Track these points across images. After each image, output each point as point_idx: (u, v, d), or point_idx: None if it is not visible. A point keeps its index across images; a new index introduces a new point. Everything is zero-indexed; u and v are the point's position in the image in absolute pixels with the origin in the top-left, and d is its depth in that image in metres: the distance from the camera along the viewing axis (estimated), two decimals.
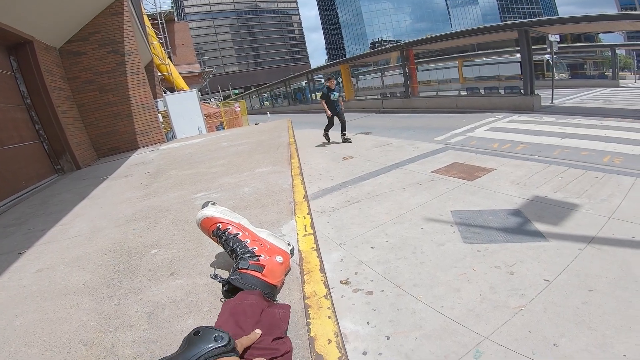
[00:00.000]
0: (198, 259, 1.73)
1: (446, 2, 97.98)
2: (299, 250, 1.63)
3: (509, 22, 11.72)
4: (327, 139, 7.96)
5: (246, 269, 1.22)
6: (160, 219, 2.48)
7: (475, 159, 5.10)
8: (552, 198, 3.47)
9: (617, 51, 21.49)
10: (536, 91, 10.86)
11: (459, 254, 2.59)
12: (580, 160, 4.76)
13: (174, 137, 10.40)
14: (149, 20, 18.73)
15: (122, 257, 1.92)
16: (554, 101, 12.26)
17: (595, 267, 2.27)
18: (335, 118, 7.74)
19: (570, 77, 22.80)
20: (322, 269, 1.46)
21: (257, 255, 1.29)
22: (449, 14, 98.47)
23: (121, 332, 1.26)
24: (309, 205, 2.21)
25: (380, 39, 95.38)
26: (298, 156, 3.90)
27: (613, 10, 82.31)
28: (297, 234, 1.80)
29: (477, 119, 9.33)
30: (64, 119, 6.59)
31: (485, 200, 3.56)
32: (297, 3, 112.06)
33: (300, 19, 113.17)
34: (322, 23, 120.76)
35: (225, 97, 56.42)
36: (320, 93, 7.91)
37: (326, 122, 7.91)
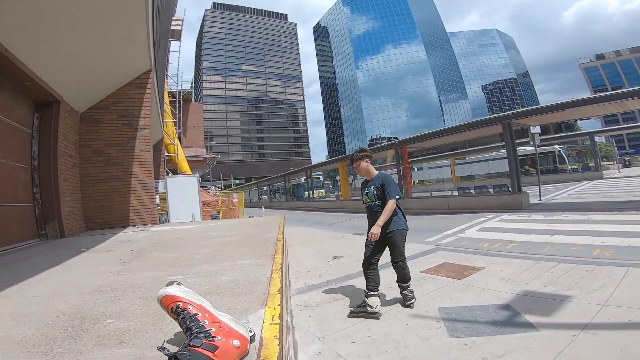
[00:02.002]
0: (154, 333, 1.66)
1: (439, 97, 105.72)
2: (261, 337, 1.58)
3: (492, 116, 12.34)
4: (367, 306, 3.21)
5: (198, 347, 1.17)
6: (128, 293, 2.43)
7: (465, 258, 5.08)
8: (542, 292, 3.40)
9: (596, 139, 21.64)
10: (524, 188, 10.95)
11: (444, 348, 2.47)
12: (570, 255, 4.76)
13: (167, 220, 10.33)
14: (168, 97, 19.35)
15: (74, 321, 1.86)
16: (541, 198, 12.51)
17: (590, 351, 2.16)
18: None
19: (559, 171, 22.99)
20: (280, 357, 1.39)
21: (213, 337, 1.24)
22: (442, 110, 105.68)
23: None
24: (282, 298, 2.21)
25: (378, 136, 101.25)
26: (283, 252, 3.91)
27: (587, 93, 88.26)
28: (263, 322, 1.77)
29: (469, 219, 9.50)
30: (64, 187, 6.45)
31: (473, 297, 3.48)
32: (303, 96, 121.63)
33: (305, 112, 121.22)
34: (325, 117, 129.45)
35: (226, 187, 57.97)
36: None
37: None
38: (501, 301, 3.25)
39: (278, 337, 1.57)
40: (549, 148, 22.89)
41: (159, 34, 8.92)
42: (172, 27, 16.76)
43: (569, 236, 6.07)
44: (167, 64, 16.94)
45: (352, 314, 3.24)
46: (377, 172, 3.63)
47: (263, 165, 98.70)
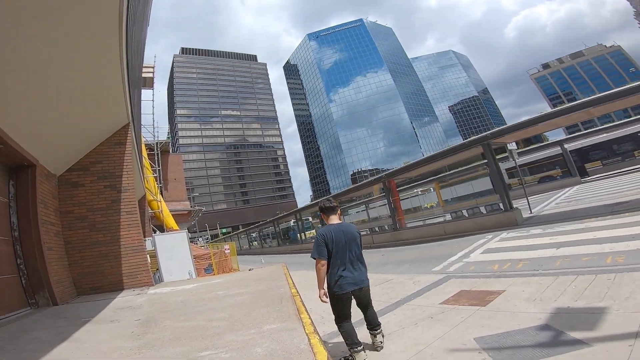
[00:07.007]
0: None
1: (412, 123, 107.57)
2: None
3: (472, 138, 12.51)
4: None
5: None
6: None
7: (480, 283, 5.01)
8: (575, 307, 3.35)
9: (566, 146, 22.34)
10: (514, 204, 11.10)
11: None
12: (584, 266, 4.74)
13: (160, 278, 9.78)
14: (146, 149, 17.89)
15: None
16: (532, 211, 12.65)
17: None
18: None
19: (537, 182, 23.49)
20: None
21: None
22: (416, 135, 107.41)
23: None
24: None
25: (360, 169, 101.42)
26: (307, 310, 3.71)
27: (544, 103, 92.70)
28: None
29: (469, 242, 9.42)
30: (49, 256, 6.02)
31: (506, 322, 3.38)
32: (281, 137, 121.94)
33: (284, 153, 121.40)
34: (306, 156, 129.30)
35: (213, 236, 56.36)
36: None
37: None
38: (537, 322, 3.18)
39: None
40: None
41: (134, 84, 8.16)
42: (144, 75, 15.82)
43: (576, 247, 6.07)
44: (141, 115, 15.83)
45: None
46: (330, 224, 3.52)
47: (248, 212, 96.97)
